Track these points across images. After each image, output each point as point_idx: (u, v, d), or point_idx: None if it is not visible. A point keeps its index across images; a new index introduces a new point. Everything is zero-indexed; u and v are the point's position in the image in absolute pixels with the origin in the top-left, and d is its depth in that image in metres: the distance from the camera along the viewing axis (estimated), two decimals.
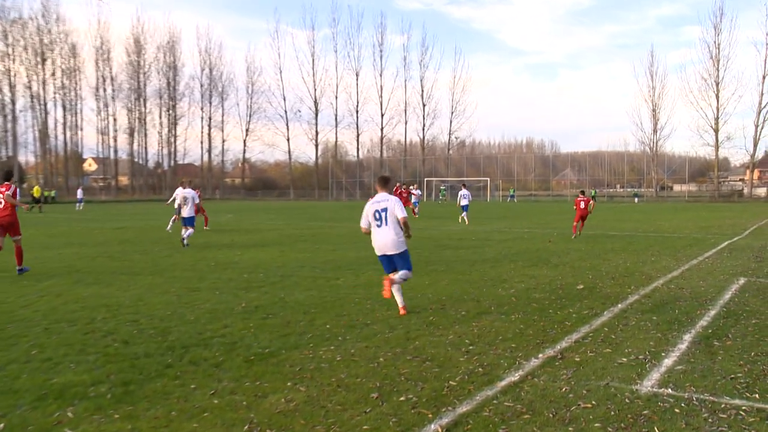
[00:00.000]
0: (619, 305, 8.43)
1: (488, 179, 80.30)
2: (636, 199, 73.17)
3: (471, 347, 6.29)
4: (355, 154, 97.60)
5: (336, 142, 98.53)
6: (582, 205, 20.62)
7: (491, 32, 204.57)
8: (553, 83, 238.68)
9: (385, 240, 7.86)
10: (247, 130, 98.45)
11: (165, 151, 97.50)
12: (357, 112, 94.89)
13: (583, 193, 21.66)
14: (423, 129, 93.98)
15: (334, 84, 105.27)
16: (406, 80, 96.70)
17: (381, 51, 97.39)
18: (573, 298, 9.01)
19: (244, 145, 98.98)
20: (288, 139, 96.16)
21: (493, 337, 6.68)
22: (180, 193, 18.14)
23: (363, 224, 8.02)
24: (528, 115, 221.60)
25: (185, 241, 16.91)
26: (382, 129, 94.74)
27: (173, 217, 21.80)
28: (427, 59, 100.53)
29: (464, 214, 27.86)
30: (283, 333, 6.92)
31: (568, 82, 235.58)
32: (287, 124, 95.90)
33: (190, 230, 17.36)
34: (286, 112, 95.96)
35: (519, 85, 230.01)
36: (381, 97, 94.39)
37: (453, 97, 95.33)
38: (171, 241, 18.91)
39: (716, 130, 74.42)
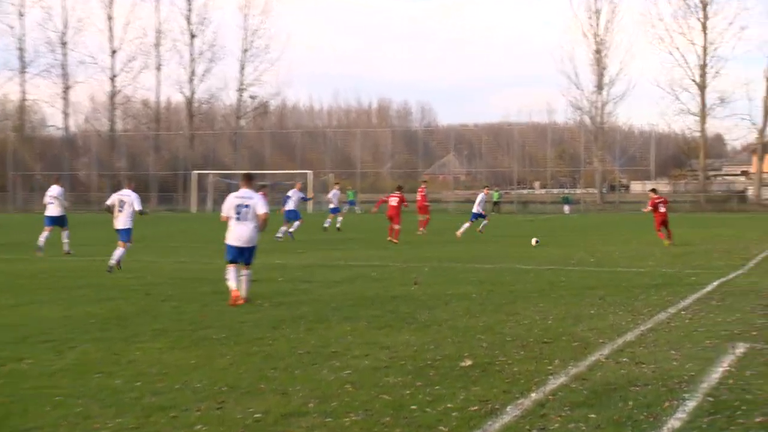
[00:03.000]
0: (533, 395, 8.72)
1: (310, 173, 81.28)
2: (566, 208, 77.04)
3: None
4: (61, 124, 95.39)
5: (23, 101, 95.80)
6: (662, 208, 26.90)
7: None
8: (427, 3, 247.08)
9: (243, 234, 15.36)
10: None
11: None
12: (64, 45, 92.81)
13: (654, 191, 28.53)
14: (191, 81, 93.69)
15: None
16: None
17: None
18: (454, 383, 9.23)
19: None
20: None
21: None
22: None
23: (224, 213, 15.63)
24: (381, 61, 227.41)
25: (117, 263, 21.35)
26: (113, 79, 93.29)
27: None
28: None
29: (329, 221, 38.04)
30: None
31: (451, 1, 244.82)
32: None
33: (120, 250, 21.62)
34: None
35: (365, 5, 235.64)
36: (111, 19, 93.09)
37: (246, 23, 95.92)
38: None
39: (702, 87, 79.81)
